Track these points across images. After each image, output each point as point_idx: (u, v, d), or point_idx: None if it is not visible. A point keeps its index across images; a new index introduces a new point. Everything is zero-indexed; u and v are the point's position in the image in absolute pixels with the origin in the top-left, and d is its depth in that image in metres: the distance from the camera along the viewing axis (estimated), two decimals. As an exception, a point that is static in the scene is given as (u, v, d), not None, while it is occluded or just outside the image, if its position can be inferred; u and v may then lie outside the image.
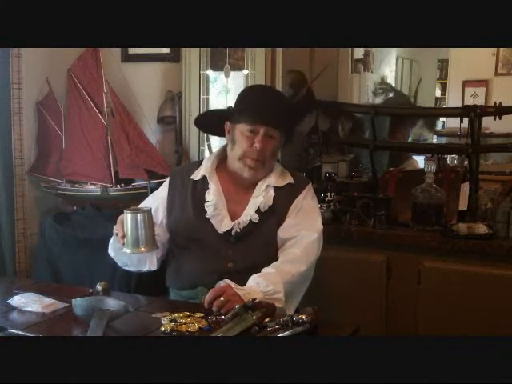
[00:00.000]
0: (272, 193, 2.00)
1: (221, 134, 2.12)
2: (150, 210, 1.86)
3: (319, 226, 2.03)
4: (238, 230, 1.97)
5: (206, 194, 2.01)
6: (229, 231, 1.97)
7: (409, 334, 2.47)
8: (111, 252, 2.06)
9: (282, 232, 1.99)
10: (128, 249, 1.82)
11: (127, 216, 1.81)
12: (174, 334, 1.58)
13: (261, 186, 2.01)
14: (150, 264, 2.03)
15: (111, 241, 2.04)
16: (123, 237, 1.82)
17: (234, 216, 1.99)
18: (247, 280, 1.86)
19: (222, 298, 1.71)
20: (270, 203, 1.99)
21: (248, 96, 2.09)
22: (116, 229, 1.89)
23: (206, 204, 1.99)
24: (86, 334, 1.55)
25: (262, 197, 1.99)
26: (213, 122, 2.13)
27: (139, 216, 1.81)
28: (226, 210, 1.99)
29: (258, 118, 1.96)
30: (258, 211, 1.98)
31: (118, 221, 1.88)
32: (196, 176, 2.05)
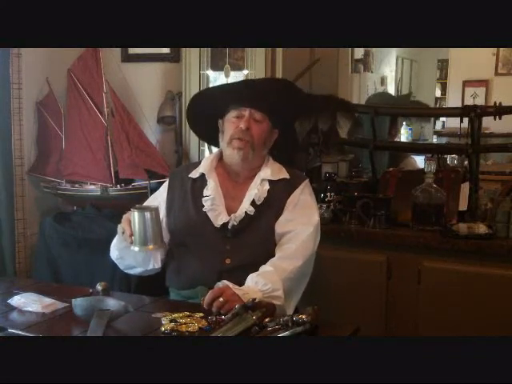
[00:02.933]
0: (267, 186, 2.02)
1: (215, 139, 2.14)
2: (157, 208, 1.87)
3: (315, 220, 2.03)
4: (235, 223, 1.98)
5: (205, 189, 2.03)
6: (225, 225, 1.98)
7: (409, 334, 2.47)
8: (114, 253, 2.06)
9: (279, 226, 2.00)
10: (136, 247, 1.83)
11: (134, 214, 1.81)
12: (174, 334, 1.58)
13: (256, 181, 2.04)
14: (154, 262, 2.03)
15: (114, 242, 2.04)
16: (131, 235, 1.83)
17: (231, 211, 2.01)
18: (246, 278, 1.86)
19: (221, 299, 1.71)
20: (265, 195, 2.01)
21: (235, 86, 2.19)
22: (122, 228, 1.89)
23: (203, 199, 2.01)
24: (86, 334, 1.55)
25: (256, 189, 2.01)
26: (207, 125, 2.15)
27: (147, 214, 1.81)
28: (223, 205, 2.01)
29: (241, 101, 2.00)
30: (253, 204, 1.99)
31: (124, 219, 1.88)
32: (195, 174, 2.08)
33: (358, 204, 2.66)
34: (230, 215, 1.99)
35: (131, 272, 2.11)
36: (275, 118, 2.06)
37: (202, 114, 2.14)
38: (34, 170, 3.29)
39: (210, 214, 1.99)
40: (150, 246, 1.82)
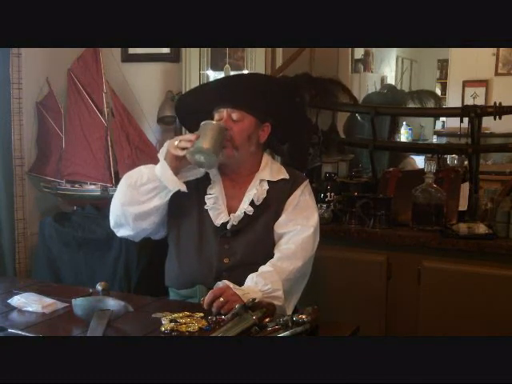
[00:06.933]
0: (266, 186, 2.02)
1: None
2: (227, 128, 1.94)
3: (315, 221, 2.03)
4: (234, 224, 1.98)
5: (208, 188, 2.03)
6: (225, 225, 1.98)
7: (409, 334, 2.47)
8: (135, 196, 2.00)
9: (278, 227, 2.00)
10: (193, 147, 1.88)
11: (206, 122, 1.92)
12: (174, 334, 1.58)
13: (255, 181, 2.03)
14: (180, 185, 1.94)
15: (120, 198, 2.02)
16: (194, 139, 1.88)
17: (230, 210, 2.01)
18: (245, 278, 1.86)
19: (221, 299, 1.71)
20: (264, 196, 2.00)
21: (210, 86, 2.20)
22: (179, 139, 1.93)
23: (206, 196, 2.01)
24: (86, 334, 1.55)
25: (255, 189, 2.01)
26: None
27: (216, 124, 1.92)
28: (224, 205, 2.01)
29: (217, 102, 1.99)
30: (252, 204, 1.99)
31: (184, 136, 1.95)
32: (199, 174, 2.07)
33: (358, 204, 2.66)
34: (229, 215, 1.99)
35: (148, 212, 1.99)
36: (259, 112, 2.01)
37: (191, 114, 2.11)
38: (33, 169, 3.29)
39: (211, 213, 1.99)
40: (205, 146, 1.87)
